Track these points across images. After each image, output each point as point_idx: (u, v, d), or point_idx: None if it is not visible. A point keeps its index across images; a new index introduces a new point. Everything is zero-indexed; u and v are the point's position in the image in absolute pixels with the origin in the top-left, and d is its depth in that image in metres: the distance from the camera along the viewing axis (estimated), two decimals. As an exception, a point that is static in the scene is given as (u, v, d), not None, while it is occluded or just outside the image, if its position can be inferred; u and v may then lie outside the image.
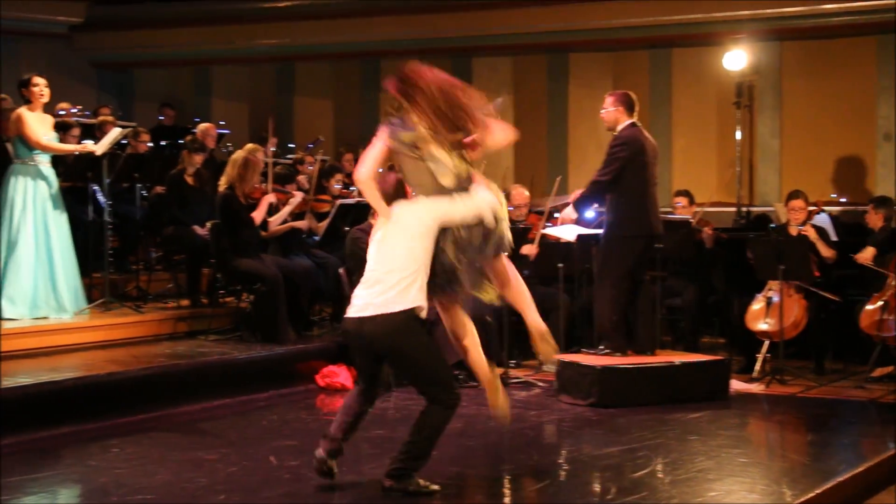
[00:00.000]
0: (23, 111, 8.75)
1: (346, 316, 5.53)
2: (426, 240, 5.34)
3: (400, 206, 5.49)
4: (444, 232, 5.38)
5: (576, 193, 8.73)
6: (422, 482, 5.59)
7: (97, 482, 5.93)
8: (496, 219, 5.50)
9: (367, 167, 5.51)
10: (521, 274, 9.50)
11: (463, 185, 5.44)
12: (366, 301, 5.38)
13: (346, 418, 5.70)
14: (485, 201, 5.48)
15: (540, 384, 8.85)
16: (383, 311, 5.31)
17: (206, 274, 9.93)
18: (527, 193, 10.07)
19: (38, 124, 8.78)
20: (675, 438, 7.02)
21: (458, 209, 5.39)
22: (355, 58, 14.74)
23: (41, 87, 8.81)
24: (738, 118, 12.71)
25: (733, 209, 12.49)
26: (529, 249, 9.53)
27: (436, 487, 5.60)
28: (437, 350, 5.58)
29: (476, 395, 8.46)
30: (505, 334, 9.09)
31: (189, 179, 9.94)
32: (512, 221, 9.74)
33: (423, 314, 5.41)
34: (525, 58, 14.14)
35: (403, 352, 5.43)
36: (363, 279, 5.47)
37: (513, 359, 9.34)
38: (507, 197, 10.14)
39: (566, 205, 10.54)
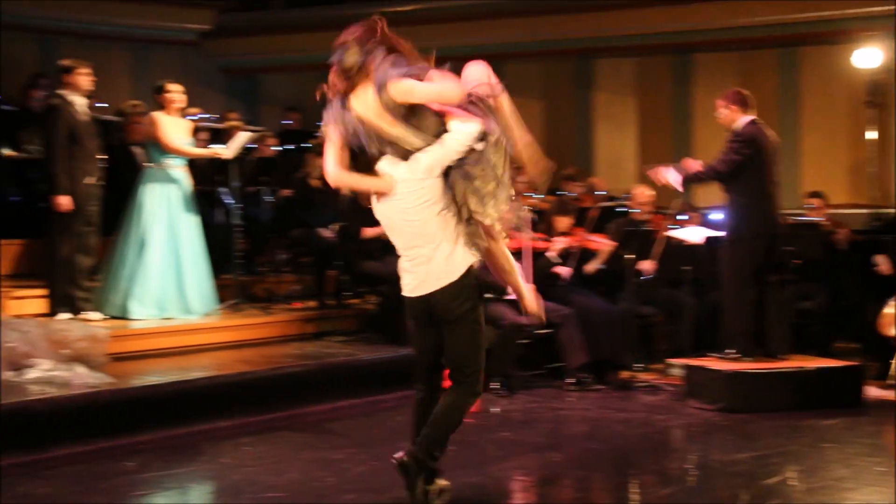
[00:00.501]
0: (158, 115, 8.97)
1: (407, 296, 5.21)
2: (443, 197, 5.01)
3: (393, 177, 5.09)
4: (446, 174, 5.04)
5: (692, 166, 8.50)
6: (435, 485, 5.32)
7: (229, 479, 6.03)
8: (485, 140, 5.06)
9: (331, 164, 5.18)
10: (640, 277, 9.55)
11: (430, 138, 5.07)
12: (422, 279, 5.10)
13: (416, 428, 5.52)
14: (463, 133, 5.02)
15: (667, 388, 8.74)
16: (445, 281, 5.04)
17: (333, 276, 10.04)
18: (650, 193, 9.95)
19: (172, 128, 8.99)
20: (807, 445, 6.86)
21: (444, 151, 5.02)
22: (480, 60, 14.72)
23: (175, 94, 9.01)
24: (870, 117, 12.37)
25: (866, 211, 12.15)
26: (648, 266, 9.42)
27: (444, 483, 5.36)
28: (484, 332, 5.26)
29: (601, 399, 8.42)
30: (631, 337, 9.00)
31: (315, 182, 10.06)
32: (635, 222, 9.71)
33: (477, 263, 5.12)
34: (649, 59, 13.98)
35: (460, 320, 5.09)
36: (407, 258, 5.14)
37: (639, 362, 9.23)
38: (630, 197, 10.08)
39: (691, 207, 10.43)
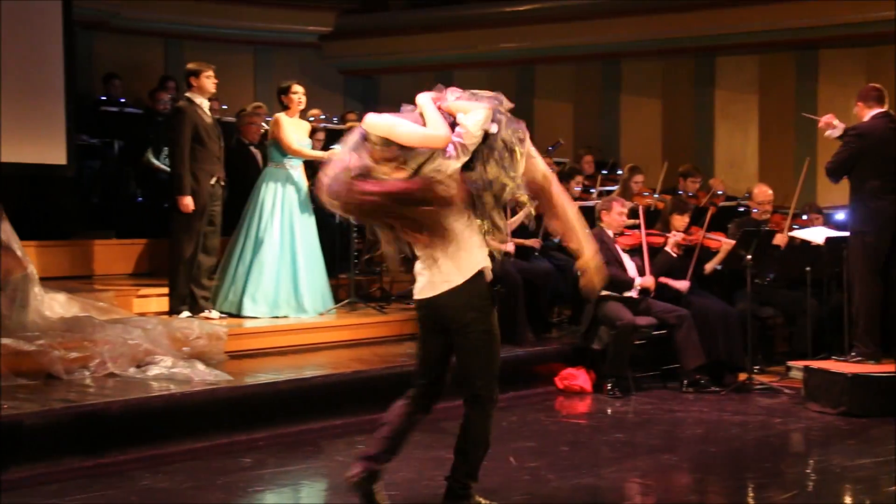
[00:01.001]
0: (281, 116, 9.10)
1: (415, 299, 5.01)
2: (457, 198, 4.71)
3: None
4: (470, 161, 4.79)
5: None
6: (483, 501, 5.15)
7: (343, 477, 6.08)
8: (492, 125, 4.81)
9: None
10: (766, 277, 9.35)
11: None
12: (429, 281, 4.85)
13: (391, 433, 5.14)
14: (473, 123, 4.77)
15: (786, 391, 8.56)
16: (451, 284, 4.77)
17: (447, 275, 10.04)
18: (770, 192, 9.74)
19: (293, 130, 9.12)
20: (935, 452, 6.65)
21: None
22: (596, 59, 14.65)
23: (300, 95, 9.14)
24: None
25: None
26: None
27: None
28: (499, 339, 4.92)
29: (717, 401, 8.28)
30: (750, 339, 8.83)
31: (432, 182, 10.08)
32: (756, 222, 9.52)
33: (489, 275, 4.85)
34: (772, 56, 13.69)
35: (469, 329, 4.80)
36: (420, 259, 4.90)
37: (757, 364, 9.06)
38: (750, 196, 9.89)
39: (813, 207, 10.19)
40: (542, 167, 5.02)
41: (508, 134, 4.83)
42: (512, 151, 4.80)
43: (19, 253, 7.71)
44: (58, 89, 10.28)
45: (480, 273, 4.80)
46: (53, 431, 6.03)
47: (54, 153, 10.24)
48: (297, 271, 9.02)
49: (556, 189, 5.08)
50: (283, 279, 8.99)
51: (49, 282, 8.18)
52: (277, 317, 8.92)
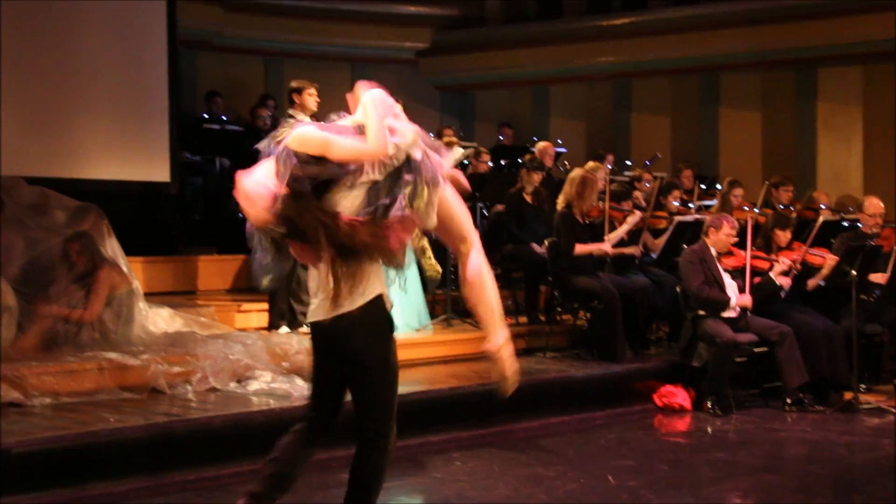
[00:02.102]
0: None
1: (308, 321, 4.42)
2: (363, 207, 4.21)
3: None
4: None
5: None
6: None
7: (440, 494, 6.10)
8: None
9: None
10: (871, 294, 9.13)
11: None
12: (321, 302, 4.24)
13: (278, 469, 4.37)
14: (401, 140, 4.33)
15: (894, 410, 8.34)
16: (345, 308, 4.18)
17: (544, 291, 10.03)
18: (882, 205, 9.51)
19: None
20: None
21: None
22: (694, 72, 14.50)
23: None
24: None
25: None
26: (879, 277, 9.04)
27: None
28: (397, 371, 4.36)
29: (822, 421, 8.12)
30: (855, 357, 8.64)
31: (528, 198, 10.08)
32: (862, 236, 9.32)
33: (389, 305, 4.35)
34: (876, 67, 13.39)
35: (364, 358, 4.23)
36: (315, 276, 4.36)
37: (863, 382, 8.86)
38: (860, 208, 9.67)
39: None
40: (462, 227, 4.40)
41: (428, 168, 4.30)
42: (426, 189, 4.24)
43: (125, 269, 7.88)
44: (162, 108, 10.51)
45: (379, 298, 4.29)
46: (157, 445, 6.13)
47: (158, 170, 10.47)
48: (388, 287, 9.04)
49: (477, 259, 4.38)
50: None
51: (153, 297, 8.34)
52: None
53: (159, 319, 7.91)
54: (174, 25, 10.67)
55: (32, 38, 9.58)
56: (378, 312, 4.28)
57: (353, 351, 4.22)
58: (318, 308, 4.26)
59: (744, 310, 8.68)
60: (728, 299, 8.59)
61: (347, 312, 4.18)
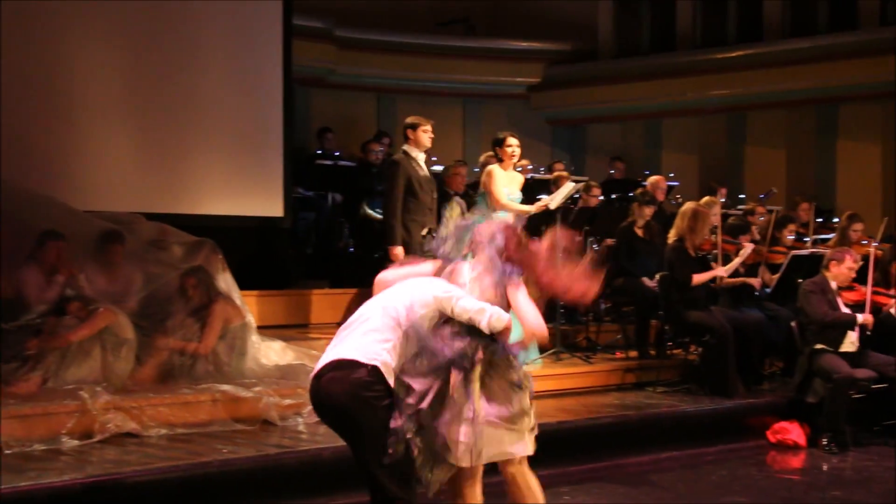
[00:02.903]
0: (494, 168, 9.15)
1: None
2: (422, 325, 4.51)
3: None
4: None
5: None
6: None
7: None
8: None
9: None
10: None
11: None
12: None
13: None
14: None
15: None
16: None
17: (655, 325, 9.93)
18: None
19: (504, 182, 9.14)
20: None
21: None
22: (811, 104, 14.27)
23: (514, 148, 9.18)
24: None
25: None
26: None
27: None
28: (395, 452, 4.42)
29: None
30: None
31: (639, 231, 10.01)
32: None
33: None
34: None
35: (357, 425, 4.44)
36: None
37: None
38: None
39: None
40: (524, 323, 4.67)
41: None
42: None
43: (238, 302, 8.03)
44: (276, 145, 10.74)
45: (375, 369, 4.42)
46: (268, 476, 6.21)
47: (272, 206, 10.68)
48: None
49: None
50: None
51: (266, 330, 8.48)
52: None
53: (272, 352, 8.03)
54: (289, 63, 10.90)
55: (152, 77, 9.88)
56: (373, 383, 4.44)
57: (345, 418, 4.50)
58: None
59: (862, 347, 8.47)
60: (855, 316, 8.39)
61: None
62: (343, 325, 4.63)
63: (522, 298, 4.60)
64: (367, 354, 4.40)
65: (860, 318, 8.42)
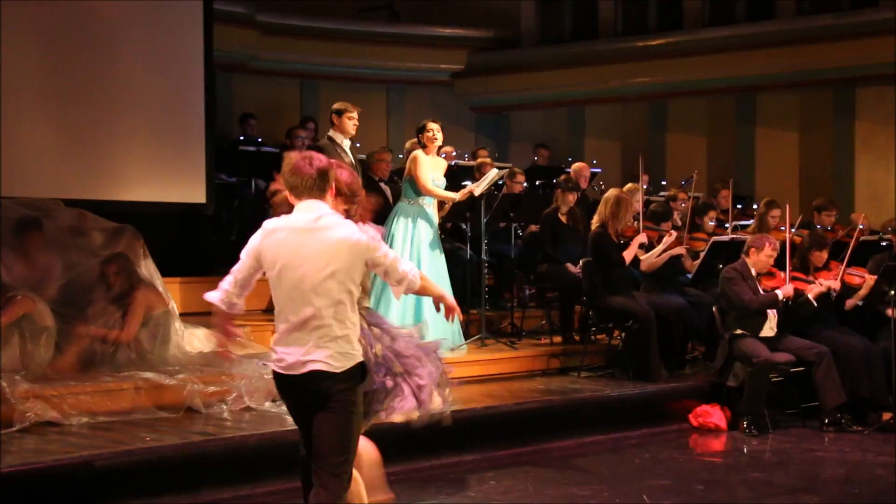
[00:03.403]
0: (419, 153, 9.15)
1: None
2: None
3: None
4: None
5: None
6: None
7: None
8: None
9: None
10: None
11: None
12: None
13: None
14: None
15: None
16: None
17: (579, 311, 10.01)
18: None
19: (429, 168, 9.16)
20: None
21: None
22: (730, 93, 14.47)
23: (434, 132, 9.19)
24: None
25: None
26: None
27: None
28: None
29: (860, 441, 8.05)
30: (894, 376, 8.55)
31: (563, 218, 10.07)
32: (899, 257, 9.23)
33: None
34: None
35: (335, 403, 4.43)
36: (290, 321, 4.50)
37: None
38: (894, 230, 9.58)
39: None
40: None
41: None
42: None
43: (161, 289, 7.94)
44: (198, 130, 10.61)
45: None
46: (193, 463, 6.16)
47: (195, 192, 10.55)
48: (422, 307, 9.05)
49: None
50: (407, 314, 9.02)
51: (189, 317, 8.39)
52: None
53: (195, 339, 7.96)
54: (210, 49, 10.77)
55: (70, 61, 9.70)
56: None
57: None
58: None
59: (780, 331, 8.62)
60: (776, 294, 8.51)
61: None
62: None
63: None
64: None
65: (780, 293, 8.56)
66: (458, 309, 4.86)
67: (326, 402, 4.38)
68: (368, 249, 4.47)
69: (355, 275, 4.45)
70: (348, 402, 4.41)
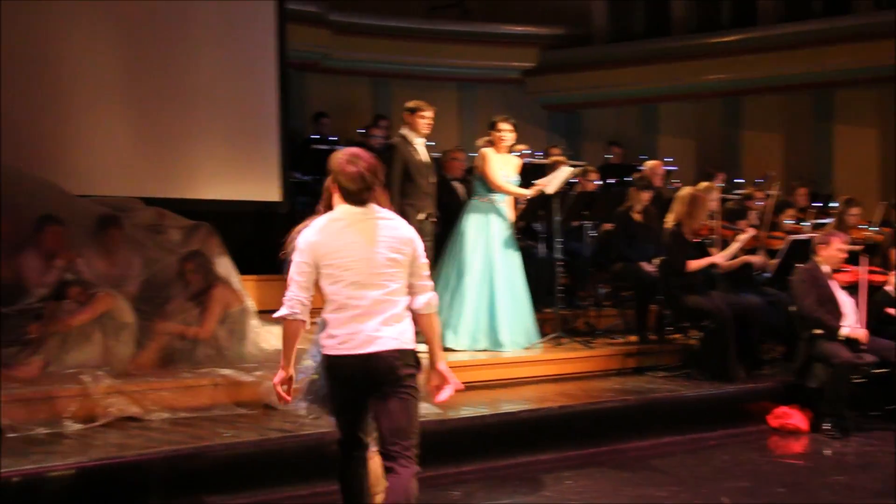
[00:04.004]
0: (488, 151, 9.15)
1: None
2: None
3: None
4: None
5: None
6: None
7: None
8: None
9: None
10: None
11: None
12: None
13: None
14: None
15: None
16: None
17: (654, 310, 9.92)
18: None
19: (500, 165, 9.15)
20: None
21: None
22: (807, 89, 14.25)
23: (505, 132, 9.18)
24: None
25: None
26: None
27: None
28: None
29: None
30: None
31: (636, 216, 9.99)
32: None
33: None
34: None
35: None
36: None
37: None
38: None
39: None
40: None
41: None
42: None
43: (237, 286, 8.00)
44: (272, 129, 10.67)
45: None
46: (270, 460, 6.19)
47: (269, 191, 10.62)
48: (496, 305, 9.03)
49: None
50: (481, 312, 9.01)
51: (266, 314, 8.43)
52: (477, 350, 8.94)
53: (272, 337, 7.99)
54: (284, 48, 10.84)
55: (146, 62, 9.80)
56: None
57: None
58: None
59: (853, 344, 8.45)
60: (837, 328, 8.34)
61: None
62: None
63: None
64: None
65: (845, 331, 8.38)
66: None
67: (395, 385, 4.42)
68: (420, 251, 4.58)
69: (409, 268, 4.53)
70: (414, 387, 4.48)
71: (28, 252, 7.39)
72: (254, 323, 7.94)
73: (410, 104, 8.99)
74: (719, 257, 9.17)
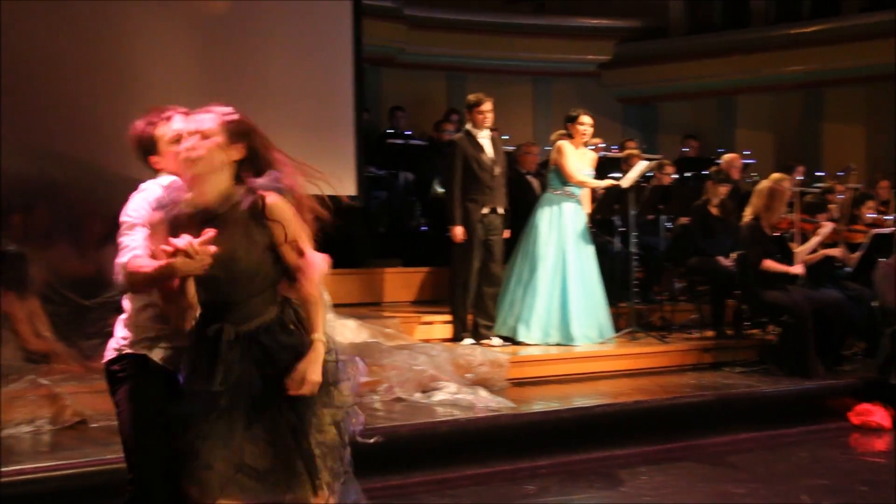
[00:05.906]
0: (565, 144, 9.12)
1: None
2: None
3: None
4: None
5: None
6: None
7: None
8: None
9: None
10: None
11: None
12: None
13: None
14: None
15: None
16: None
17: (731, 305, 9.80)
18: None
19: (576, 159, 9.12)
20: None
21: None
22: (891, 80, 13.96)
23: (585, 126, 9.15)
24: None
25: None
26: None
27: None
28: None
29: None
30: None
31: (714, 210, 9.87)
32: None
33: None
34: None
35: None
36: None
37: None
38: None
39: None
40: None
41: None
42: None
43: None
44: (347, 124, 10.72)
45: None
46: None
47: (345, 185, 10.66)
48: (568, 298, 8.99)
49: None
50: (553, 306, 8.98)
51: (341, 308, 8.50)
52: (549, 344, 8.92)
53: (346, 330, 8.04)
54: (360, 43, 10.88)
55: (222, 58, 9.88)
56: None
57: None
58: None
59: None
60: None
61: None
62: None
63: None
64: None
65: None
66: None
67: None
68: None
69: None
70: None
71: (109, 246, 7.49)
72: (329, 317, 7.87)
73: (470, 98, 9.02)
74: (798, 268, 8.97)
